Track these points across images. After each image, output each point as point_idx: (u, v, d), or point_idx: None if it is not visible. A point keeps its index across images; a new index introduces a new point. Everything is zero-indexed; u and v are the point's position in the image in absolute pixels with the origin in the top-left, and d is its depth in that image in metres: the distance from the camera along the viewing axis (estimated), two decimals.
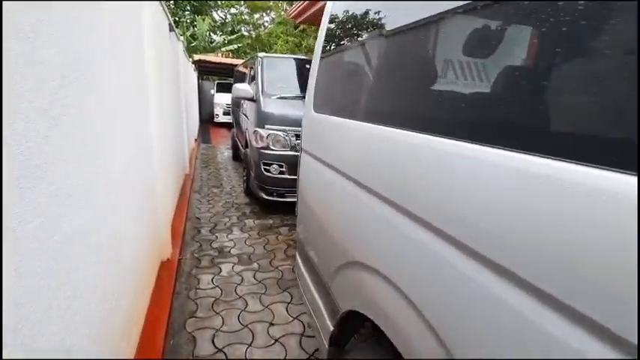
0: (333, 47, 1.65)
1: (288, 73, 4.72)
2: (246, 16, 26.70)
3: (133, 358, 1.77)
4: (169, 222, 3.13)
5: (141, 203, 2.15)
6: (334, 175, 1.36)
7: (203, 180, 5.82)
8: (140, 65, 2.26)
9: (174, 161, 4.08)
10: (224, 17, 25.78)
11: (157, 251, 2.61)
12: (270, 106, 4.08)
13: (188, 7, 21.86)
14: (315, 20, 9.09)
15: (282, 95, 4.20)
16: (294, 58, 4.92)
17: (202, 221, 3.99)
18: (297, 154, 3.92)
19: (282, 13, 25.35)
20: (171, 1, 19.94)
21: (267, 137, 4.03)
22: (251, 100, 4.34)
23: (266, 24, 27.29)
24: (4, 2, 0.72)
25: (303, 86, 4.78)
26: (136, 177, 2.02)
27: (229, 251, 3.31)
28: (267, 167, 4.09)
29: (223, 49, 19.39)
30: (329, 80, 1.66)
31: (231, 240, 3.53)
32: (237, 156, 7.05)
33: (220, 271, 2.94)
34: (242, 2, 25.72)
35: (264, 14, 27.31)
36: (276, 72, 4.58)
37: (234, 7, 25.26)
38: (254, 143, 4.16)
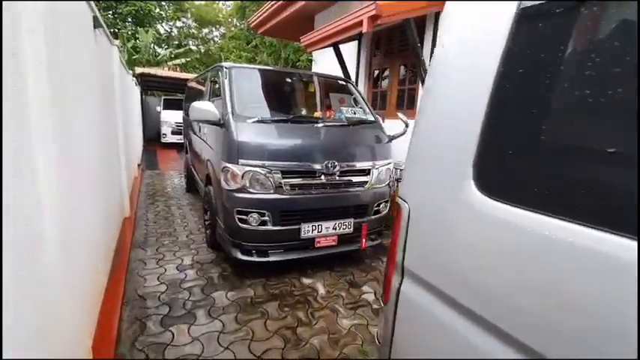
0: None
1: (264, 89, 3.57)
2: (193, 30, 24.97)
3: None
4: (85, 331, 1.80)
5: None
6: None
7: (149, 224, 4.38)
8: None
9: (103, 206, 2.72)
10: (169, 30, 23.82)
11: None
12: (246, 134, 2.89)
13: (129, 19, 19.74)
14: (278, 32, 8.05)
15: (262, 118, 3.04)
16: (272, 70, 3.81)
17: (149, 303, 2.64)
18: (284, 197, 2.73)
19: (233, 28, 24.06)
20: (109, 10, 17.82)
21: (242, 176, 2.83)
22: (217, 124, 3.12)
23: (216, 39, 25.72)
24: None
25: (284, 106, 3.66)
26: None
27: None
28: (244, 217, 2.88)
29: (170, 63, 17.64)
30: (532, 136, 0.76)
31: (196, 340, 2.25)
32: (192, 187, 5.65)
33: None
34: (189, 16, 24.01)
35: (214, 29, 25.76)
36: (250, 87, 3.41)
37: (179, 20, 23.44)
38: (224, 184, 2.93)
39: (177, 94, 14.39)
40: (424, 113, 1.04)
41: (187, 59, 19.36)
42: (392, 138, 3.53)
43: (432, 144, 1.00)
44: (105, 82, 3.36)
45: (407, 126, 3.45)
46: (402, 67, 4.90)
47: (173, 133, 11.73)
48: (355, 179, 3.23)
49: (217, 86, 3.68)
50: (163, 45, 21.90)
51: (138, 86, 10.26)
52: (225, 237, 3.06)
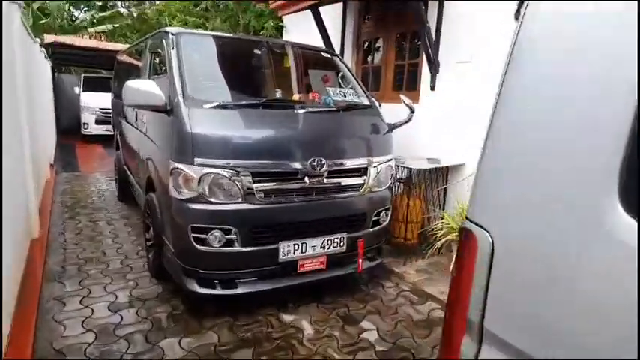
0: None
1: (225, 64, 3.35)
2: None
3: None
4: None
5: None
6: None
7: (68, 247, 4.05)
8: None
9: None
10: None
11: None
12: (203, 123, 2.68)
13: None
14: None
15: (223, 102, 2.83)
16: (235, 39, 3.59)
17: None
18: (256, 207, 2.52)
19: None
20: None
21: (199, 181, 2.62)
22: (161, 110, 2.89)
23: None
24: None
25: (252, 86, 3.47)
26: None
27: None
28: (202, 235, 2.67)
29: (91, 29, 16.82)
30: None
31: None
32: (127, 193, 5.31)
33: None
34: None
35: None
36: (206, 61, 3.19)
37: None
38: (173, 191, 2.70)
39: (103, 72, 13.79)
40: (517, 104, 0.91)
41: (115, 25, 18.52)
42: (393, 127, 3.43)
43: (537, 148, 0.86)
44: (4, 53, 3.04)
45: (412, 112, 3.36)
46: (400, 38, 4.82)
47: (98, 122, 11.14)
48: (348, 181, 3.09)
49: (160, 60, 3.44)
50: (82, 7, 20.92)
51: (48, 60, 9.68)
52: (176, 263, 2.84)
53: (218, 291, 2.77)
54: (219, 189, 2.67)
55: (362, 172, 3.16)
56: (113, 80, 6.44)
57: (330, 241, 3.03)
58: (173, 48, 3.04)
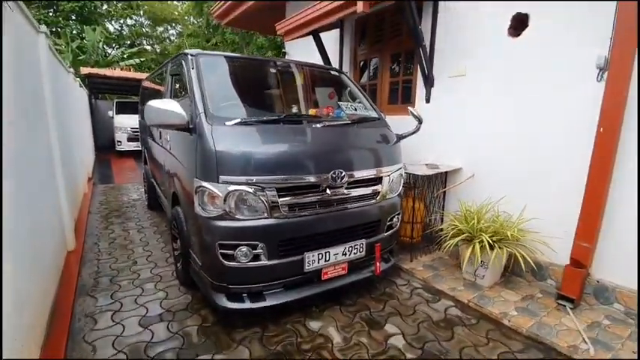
0: None
1: (242, 82, 2.79)
2: (147, 29, 23.12)
3: None
4: None
5: None
6: None
7: (101, 258, 3.45)
8: None
9: (26, 249, 1.86)
10: (120, 29, 21.84)
11: None
12: (227, 141, 2.12)
13: (73, 16, 17.74)
14: (245, 23, 7.18)
15: (245, 119, 2.27)
16: (250, 59, 3.04)
17: None
18: (281, 221, 1.95)
19: (190, 26, 22.50)
20: (49, 9, 15.91)
21: (225, 198, 2.07)
22: (184, 129, 2.33)
23: (172, 37, 23.97)
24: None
25: (269, 102, 2.91)
26: None
27: None
28: (230, 252, 2.12)
29: (122, 63, 16.02)
30: None
31: None
32: (155, 202, 4.72)
33: None
34: (141, 13, 22.21)
35: (169, 27, 24.01)
36: (224, 80, 2.62)
37: (130, 17, 21.55)
38: (199, 209, 2.14)
39: (132, 97, 13.03)
40: None
41: (142, 59, 17.79)
42: (401, 137, 2.90)
43: None
44: (25, 81, 2.43)
45: (420, 122, 2.83)
46: (394, 57, 4.30)
47: (129, 139, 10.46)
48: (365, 191, 2.56)
49: (180, 82, 2.87)
50: (114, 45, 20.02)
51: (85, 89, 8.95)
52: (205, 278, 2.28)
53: (247, 305, 2.21)
54: (245, 205, 2.12)
55: (377, 181, 2.64)
56: (140, 104, 5.81)
57: (350, 248, 2.51)
58: (193, 68, 2.47)
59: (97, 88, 11.80)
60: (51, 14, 16.73)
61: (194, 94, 2.32)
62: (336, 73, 3.28)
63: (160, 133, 3.42)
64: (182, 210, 2.64)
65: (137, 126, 8.39)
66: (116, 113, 10.84)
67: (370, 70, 4.69)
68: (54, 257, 2.78)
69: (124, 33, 21.57)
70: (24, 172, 2.08)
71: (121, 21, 21.34)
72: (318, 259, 2.36)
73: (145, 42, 22.39)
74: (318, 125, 2.50)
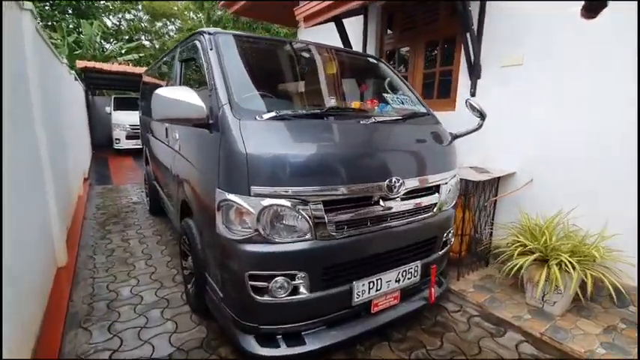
0: None
1: (267, 69, 2.28)
2: (146, 24, 22.46)
3: None
4: None
5: None
6: None
7: (97, 275, 2.94)
8: None
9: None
10: (118, 24, 21.21)
11: None
12: (260, 140, 1.62)
13: (69, 10, 17.13)
14: (254, 12, 6.63)
15: (281, 112, 1.76)
16: (279, 41, 2.54)
17: None
18: (329, 243, 1.44)
19: (189, 21, 21.87)
20: (45, 1, 15.30)
21: (259, 216, 1.57)
22: (201, 125, 1.82)
23: (171, 33, 23.30)
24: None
25: (304, 93, 2.41)
26: None
27: None
28: (262, 284, 1.63)
29: (120, 58, 15.46)
30: None
31: None
32: (157, 207, 4.21)
33: None
34: (140, 8, 21.57)
35: (168, 22, 23.35)
36: (247, 66, 2.10)
37: (129, 12, 20.92)
38: (222, 229, 1.65)
39: (131, 93, 12.48)
40: None
41: (140, 55, 17.23)
42: (455, 136, 2.41)
43: None
44: (6, 70, 1.92)
45: (483, 118, 2.34)
46: (429, 46, 3.80)
47: (128, 137, 9.91)
48: (422, 201, 2.07)
49: (193, 69, 2.37)
50: (112, 40, 19.37)
51: (81, 83, 8.39)
52: (228, 314, 1.79)
53: (283, 350, 1.72)
54: (284, 224, 1.62)
55: (434, 190, 2.15)
56: (140, 100, 5.30)
57: (405, 273, 2.02)
58: (212, 49, 1.96)
59: (93, 83, 11.23)
60: (47, 8, 16.13)
61: (214, 81, 1.82)
62: (374, 61, 2.78)
63: (167, 129, 2.91)
64: (195, 224, 2.14)
65: (136, 123, 7.89)
66: (114, 110, 10.28)
67: (398, 60, 4.19)
68: (39, 278, 2.28)
69: (123, 28, 20.94)
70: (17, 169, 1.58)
71: (119, 15, 20.72)
72: (369, 288, 1.88)
73: (143, 37, 21.77)
74: (367, 121, 2.00)
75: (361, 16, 4.27)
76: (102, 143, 10.88)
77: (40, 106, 2.72)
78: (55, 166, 3.11)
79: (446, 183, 2.20)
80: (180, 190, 2.50)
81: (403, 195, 1.94)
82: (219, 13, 17.05)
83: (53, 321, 2.21)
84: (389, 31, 4.19)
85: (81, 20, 15.92)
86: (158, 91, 1.76)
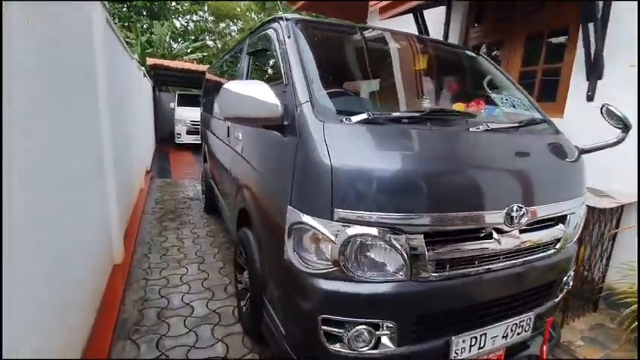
0: None
1: (355, 62, 1.93)
2: (210, 25, 23.53)
3: None
4: None
5: None
6: None
7: (151, 276, 2.81)
8: None
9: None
10: (186, 25, 22.46)
11: None
12: (348, 149, 1.27)
13: (144, 12, 18.46)
14: (320, 6, 6.38)
15: (375, 115, 1.39)
16: (369, 29, 2.16)
17: None
18: (423, 285, 1.07)
19: (251, 22, 22.47)
20: (123, 3, 16.57)
21: (342, 248, 1.22)
22: (273, 126, 1.51)
23: (233, 33, 24.15)
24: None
25: (400, 93, 2.02)
26: None
27: None
28: (339, 331, 1.27)
29: (186, 57, 16.28)
30: None
31: None
32: (212, 205, 4.08)
33: None
34: (205, 9, 22.64)
35: (231, 23, 24.23)
36: (332, 59, 1.76)
37: (196, 13, 22.06)
38: (292, 256, 1.32)
39: (193, 90, 12.97)
40: None
41: (204, 54, 18.03)
42: (584, 151, 1.86)
43: None
44: (63, 50, 1.78)
45: (628, 129, 1.76)
46: (529, 39, 3.21)
47: (189, 132, 10.23)
48: (545, 235, 1.58)
49: (264, 62, 2.09)
50: (179, 40, 20.54)
51: (149, 79, 8.78)
52: (290, 356, 1.46)
53: None
54: (372, 259, 1.25)
55: (558, 220, 1.64)
56: (202, 97, 5.27)
57: (515, 327, 1.55)
58: (289, 37, 1.65)
59: (160, 79, 11.80)
60: (124, 10, 17.49)
61: (292, 74, 1.50)
62: (473, 55, 2.29)
63: (228, 128, 2.69)
64: (255, 238, 1.86)
65: (196, 119, 8.05)
66: (177, 105, 10.72)
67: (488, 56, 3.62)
68: (94, 278, 2.15)
69: (189, 28, 22.11)
70: (55, 166, 1.41)
71: (187, 17, 21.92)
72: (470, 345, 1.44)
73: (207, 37, 22.79)
74: (477, 129, 1.55)
75: (443, 8, 3.77)
76: (164, 137, 11.38)
77: (105, 98, 2.64)
78: (118, 159, 3.05)
79: (573, 213, 1.68)
80: (239, 195, 2.24)
81: (523, 227, 1.47)
82: (280, 14, 17.28)
83: (103, 327, 2.06)
84: (476, 24, 3.64)
85: (153, 21, 17.06)
86: (227, 85, 1.48)
